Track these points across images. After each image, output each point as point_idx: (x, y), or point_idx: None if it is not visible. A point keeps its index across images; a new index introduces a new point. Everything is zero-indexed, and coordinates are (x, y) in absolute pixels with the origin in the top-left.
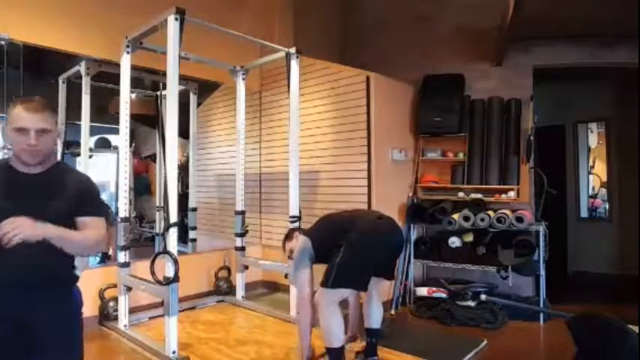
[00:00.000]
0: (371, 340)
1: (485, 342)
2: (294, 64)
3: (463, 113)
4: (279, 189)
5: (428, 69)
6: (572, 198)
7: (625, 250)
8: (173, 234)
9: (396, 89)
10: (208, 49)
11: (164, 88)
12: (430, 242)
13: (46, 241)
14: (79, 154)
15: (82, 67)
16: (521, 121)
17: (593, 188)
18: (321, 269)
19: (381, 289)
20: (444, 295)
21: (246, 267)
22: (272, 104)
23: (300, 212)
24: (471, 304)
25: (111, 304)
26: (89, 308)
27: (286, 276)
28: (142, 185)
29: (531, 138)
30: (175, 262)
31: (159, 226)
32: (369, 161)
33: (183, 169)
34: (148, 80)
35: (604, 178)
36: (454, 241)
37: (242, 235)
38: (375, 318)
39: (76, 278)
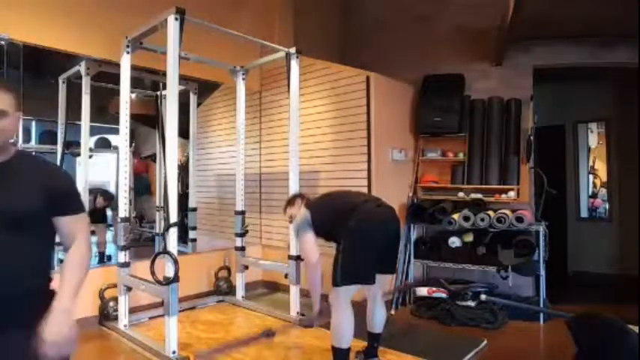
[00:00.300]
0: (372, 343)
1: (485, 342)
2: (294, 64)
3: (463, 113)
4: (279, 189)
5: (428, 69)
6: (572, 198)
7: (625, 250)
8: (173, 234)
9: (396, 89)
10: (208, 49)
11: (164, 88)
12: (430, 242)
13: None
14: (79, 154)
15: (82, 67)
16: (521, 121)
17: (594, 188)
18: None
19: (384, 290)
20: (444, 295)
21: (246, 267)
22: (272, 104)
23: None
24: (471, 304)
25: (111, 304)
26: (89, 308)
27: (286, 276)
28: (142, 185)
29: (531, 138)
30: (175, 262)
31: (159, 226)
32: (369, 161)
33: (183, 169)
34: (148, 80)
35: (604, 178)
36: (454, 241)
37: (242, 235)
38: (377, 322)
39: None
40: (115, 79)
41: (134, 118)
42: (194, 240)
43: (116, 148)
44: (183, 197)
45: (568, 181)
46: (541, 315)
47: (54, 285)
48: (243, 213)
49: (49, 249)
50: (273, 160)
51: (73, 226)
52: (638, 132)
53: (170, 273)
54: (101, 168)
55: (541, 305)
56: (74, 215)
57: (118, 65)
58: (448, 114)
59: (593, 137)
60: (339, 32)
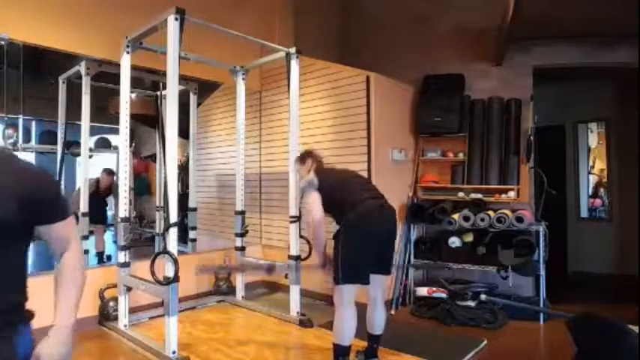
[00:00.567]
0: (372, 344)
1: (485, 342)
2: (294, 64)
3: (463, 113)
4: (279, 189)
5: (428, 69)
6: (572, 198)
7: (625, 250)
8: (173, 234)
9: (396, 89)
10: (208, 49)
11: (164, 88)
12: (430, 242)
13: None
14: (79, 154)
15: (82, 67)
16: (521, 121)
17: (594, 188)
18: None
19: (384, 291)
20: (444, 295)
21: None
22: (272, 104)
23: (300, 212)
24: (471, 304)
25: (111, 304)
26: (89, 308)
27: (286, 276)
28: (142, 185)
29: (531, 138)
30: (175, 262)
31: (159, 226)
32: (369, 161)
33: (183, 169)
34: (148, 80)
35: (604, 178)
36: (454, 241)
37: (242, 235)
38: (377, 324)
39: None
40: (115, 79)
41: (134, 118)
42: (194, 240)
43: (116, 148)
44: (183, 197)
45: (568, 181)
46: (541, 315)
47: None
48: (243, 213)
49: (24, 264)
50: (273, 160)
51: (63, 232)
52: (638, 132)
53: (170, 273)
54: (101, 168)
55: (541, 305)
56: (64, 221)
57: (118, 65)
58: (448, 114)
59: (593, 137)
60: (339, 32)
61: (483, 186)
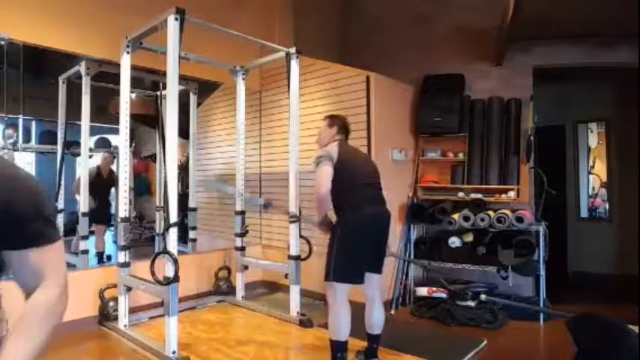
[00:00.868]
0: (372, 344)
1: (485, 342)
2: (294, 64)
3: (463, 113)
4: (279, 189)
5: (428, 69)
6: (572, 198)
7: (625, 250)
8: (173, 234)
9: (396, 89)
10: (208, 49)
11: (164, 88)
12: (430, 242)
13: None
14: (79, 154)
15: (82, 67)
16: (521, 121)
17: (593, 188)
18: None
19: (380, 291)
20: (444, 295)
21: (246, 267)
22: (272, 104)
23: (300, 212)
24: (471, 304)
25: (111, 304)
26: (89, 308)
27: (286, 276)
28: (142, 185)
29: (531, 138)
30: (175, 262)
31: (159, 226)
32: None
33: (183, 169)
34: (148, 80)
35: (604, 178)
36: (454, 241)
37: (242, 235)
38: (376, 324)
39: None
40: (115, 79)
41: (134, 118)
42: (194, 240)
43: (116, 148)
44: (183, 197)
45: (568, 181)
46: (541, 315)
47: None
48: (243, 213)
49: None
50: (273, 160)
51: (38, 263)
52: (638, 132)
53: (170, 273)
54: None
55: (541, 305)
56: (41, 247)
57: (118, 65)
58: (448, 114)
59: (593, 137)
60: (339, 32)
61: (483, 186)
